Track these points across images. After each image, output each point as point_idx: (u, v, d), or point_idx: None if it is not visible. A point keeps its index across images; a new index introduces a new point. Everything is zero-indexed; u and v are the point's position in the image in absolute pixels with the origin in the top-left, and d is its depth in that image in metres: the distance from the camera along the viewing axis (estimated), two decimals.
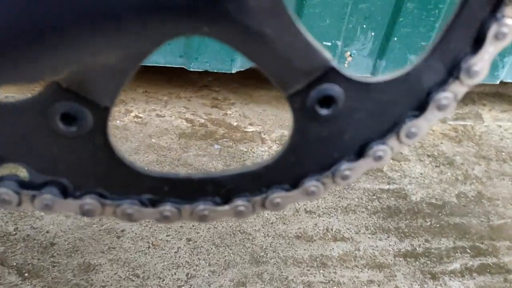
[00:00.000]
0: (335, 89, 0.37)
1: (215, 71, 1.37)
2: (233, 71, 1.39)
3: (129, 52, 0.31)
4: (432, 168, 1.39)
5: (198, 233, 1.06)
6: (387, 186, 1.29)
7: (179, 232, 1.05)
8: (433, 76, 0.37)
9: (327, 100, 0.38)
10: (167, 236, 1.04)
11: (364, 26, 1.38)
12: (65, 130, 0.37)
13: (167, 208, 0.43)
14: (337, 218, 1.17)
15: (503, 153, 1.50)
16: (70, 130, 0.37)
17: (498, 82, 1.58)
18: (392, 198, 1.26)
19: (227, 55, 1.34)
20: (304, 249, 1.07)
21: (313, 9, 1.30)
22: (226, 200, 0.43)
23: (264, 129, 1.42)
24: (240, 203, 0.43)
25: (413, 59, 1.44)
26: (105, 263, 0.97)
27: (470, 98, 1.73)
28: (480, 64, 0.36)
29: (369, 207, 1.22)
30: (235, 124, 1.42)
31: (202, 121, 1.41)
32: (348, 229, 1.14)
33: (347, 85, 0.37)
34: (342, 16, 1.33)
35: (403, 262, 1.08)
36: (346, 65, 1.45)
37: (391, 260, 1.08)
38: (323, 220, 1.15)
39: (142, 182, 0.42)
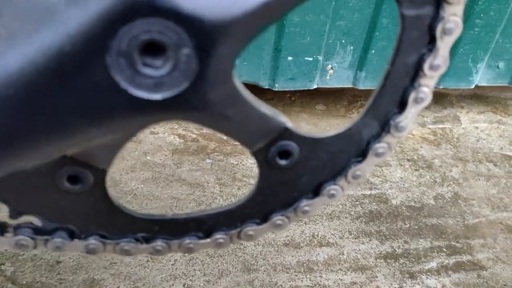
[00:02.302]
0: (291, 145, 0.46)
1: None
2: None
3: (121, 135, 0.40)
4: (411, 172, 1.48)
5: None
6: (369, 192, 1.38)
7: None
8: (370, 130, 0.46)
9: (285, 153, 0.46)
10: None
11: (343, 41, 1.46)
12: (71, 188, 0.46)
13: (159, 243, 0.51)
14: (322, 224, 1.25)
15: (479, 154, 1.59)
16: (75, 188, 0.46)
17: (473, 87, 1.66)
18: (374, 203, 1.35)
19: None
20: (292, 256, 1.16)
21: (293, 28, 1.38)
22: (207, 234, 0.52)
23: None
24: (219, 236, 0.52)
25: None
26: (108, 278, 1.05)
27: (448, 101, 1.82)
28: (405, 121, 0.44)
29: (352, 213, 1.30)
30: (225, 137, 1.50)
31: (194, 136, 1.49)
32: (332, 234, 1.23)
33: (301, 141, 0.46)
34: (322, 33, 1.41)
35: (384, 263, 1.17)
36: (328, 77, 1.53)
37: (373, 262, 1.17)
38: (309, 227, 1.24)
39: (136, 223, 0.50)
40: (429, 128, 1.68)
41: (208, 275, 1.09)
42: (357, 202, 1.34)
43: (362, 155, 0.47)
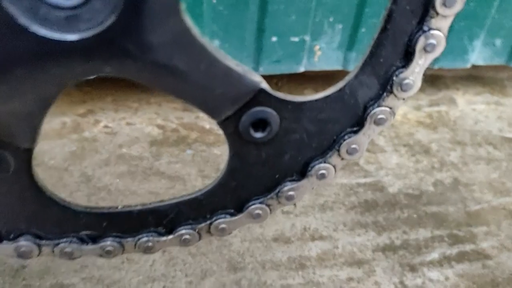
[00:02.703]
0: (267, 112, 0.36)
1: None
2: None
3: (33, 97, 0.29)
4: (408, 158, 1.39)
5: None
6: (364, 180, 1.29)
7: None
8: (367, 91, 0.36)
9: (261, 123, 0.36)
10: None
11: (331, 19, 1.36)
12: None
13: (108, 243, 0.41)
14: (314, 216, 1.16)
15: (477, 137, 1.51)
16: None
17: (468, 66, 1.58)
18: (369, 192, 1.25)
19: None
20: (282, 252, 1.06)
21: (277, 5, 1.28)
22: (170, 230, 0.42)
23: None
24: (184, 231, 0.42)
25: None
26: (78, 282, 0.95)
27: (443, 82, 1.73)
28: (412, 77, 0.35)
29: (346, 203, 1.21)
30: (207, 127, 1.40)
31: (174, 126, 1.39)
32: (326, 227, 1.14)
33: (280, 106, 0.36)
34: (308, 10, 1.31)
35: (382, 256, 1.08)
36: (316, 59, 1.43)
37: (370, 255, 1.08)
38: (301, 220, 1.14)
39: (77, 219, 0.40)
40: (425, 112, 1.59)
41: (190, 275, 0.98)
42: (352, 191, 1.25)
43: (358, 123, 0.37)
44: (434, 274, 1.06)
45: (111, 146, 1.27)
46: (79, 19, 0.25)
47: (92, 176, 1.18)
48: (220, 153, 1.31)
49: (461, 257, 1.11)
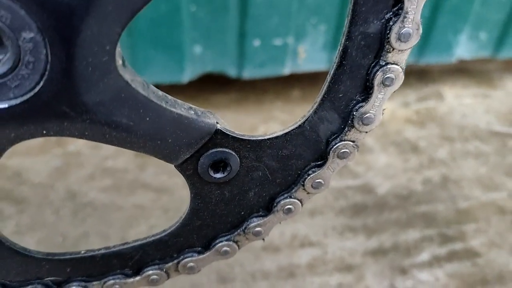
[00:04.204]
0: (226, 153, 0.35)
1: (166, 83, 1.33)
2: (185, 81, 1.35)
3: None
4: (396, 157, 1.38)
5: None
6: (353, 182, 1.28)
7: None
8: (328, 126, 0.35)
9: (221, 164, 0.35)
10: None
11: (314, 20, 1.34)
12: None
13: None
14: (303, 222, 1.15)
15: (465, 131, 1.50)
16: None
17: (454, 60, 1.57)
18: (358, 194, 1.25)
19: (176, 66, 1.30)
20: (271, 260, 1.06)
21: (258, 9, 1.27)
22: (137, 271, 0.41)
23: None
24: (152, 272, 0.41)
25: None
26: None
27: (430, 77, 1.72)
28: (373, 111, 0.34)
29: (335, 206, 1.21)
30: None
31: None
32: (315, 233, 1.13)
33: (239, 146, 0.35)
34: (289, 13, 1.29)
35: (372, 260, 1.08)
36: (300, 61, 1.42)
37: (360, 260, 1.08)
38: (290, 227, 1.14)
39: (40, 266, 0.39)
40: (413, 108, 1.59)
41: None
42: (340, 194, 1.24)
43: (322, 158, 0.37)
44: (424, 275, 1.06)
45: (96, 160, 1.26)
46: (7, 87, 0.24)
47: (78, 192, 1.17)
48: None
49: (451, 257, 1.10)
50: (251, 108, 1.50)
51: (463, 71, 1.76)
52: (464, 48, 1.56)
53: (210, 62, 1.33)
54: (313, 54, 1.43)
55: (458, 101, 1.64)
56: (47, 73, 0.24)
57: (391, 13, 0.31)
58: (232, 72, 1.37)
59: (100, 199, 1.15)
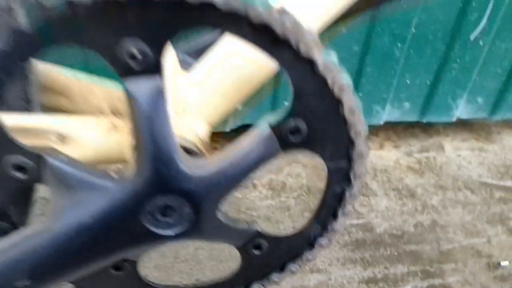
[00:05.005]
0: (261, 241, 0.67)
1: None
2: (227, 130, 1.68)
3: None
4: (396, 201, 1.67)
5: None
6: (356, 221, 1.58)
7: None
8: (315, 230, 0.66)
9: (258, 247, 0.67)
10: None
11: None
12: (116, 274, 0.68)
13: None
14: None
15: (458, 182, 1.77)
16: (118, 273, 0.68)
17: (453, 120, 1.84)
18: (360, 232, 1.55)
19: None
20: (286, 282, 1.37)
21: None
22: None
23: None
24: None
25: (377, 109, 1.72)
26: None
27: (435, 129, 2.00)
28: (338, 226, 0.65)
29: (340, 241, 1.51)
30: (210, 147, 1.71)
31: None
32: (322, 261, 1.44)
33: (269, 238, 0.67)
34: None
35: (365, 287, 1.38)
36: None
37: (356, 287, 1.38)
38: None
39: None
40: (415, 157, 1.87)
41: None
42: (345, 231, 1.54)
43: (311, 245, 0.68)
44: None
45: None
46: (173, 226, 0.57)
47: None
48: (240, 196, 1.62)
49: None
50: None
51: (464, 125, 2.02)
52: (463, 110, 1.83)
53: (248, 117, 1.66)
54: None
55: (457, 153, 1.91)
56: (191, 221, 0.56)
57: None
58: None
59: None
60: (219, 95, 0.62)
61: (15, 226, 0.60)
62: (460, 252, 1.51)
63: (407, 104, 1.76)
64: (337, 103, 0.53)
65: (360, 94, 1.67)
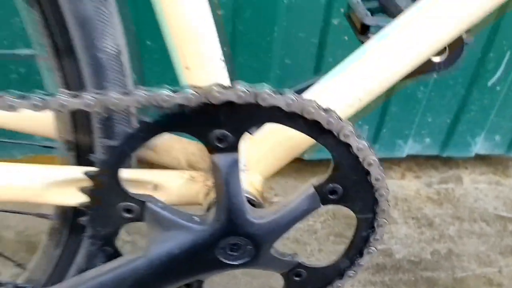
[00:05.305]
0: (302, 271, 0.84)
1: None
2: None
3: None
4: (414, 229, 1.82)
5: None
6: (378, 247, 1.73)
7: None
8: (344, 264, 0.84)
9: (298, 275, 0.85)
10: None
11: (359, 122, 1.82)
12: None
13: None
14: None
15: (475, 214, 1.90)
16: None
17: (472, 155, 1.98)
18: (381, 257, 1.70)
19: None
20: None
21: None
22: None
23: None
24: None
25: (400, 143, 1.88)
26: None
27: (454, 162, 2.13)
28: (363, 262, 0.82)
29: None
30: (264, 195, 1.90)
31: None
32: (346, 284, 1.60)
33: (308, 268, 0.84)
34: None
35: None
36: None
37: None
38: None
39: None
40: (434, 188, 2.01)
41: None
42: None
43: (341, 275, 0.85)
44: None
45: None
46: (239, 258, 0.76)
47: None
48: None
49: None
50: (308, 176, 1.99)
51: (482, 160, 2.15)
52: (481, 147, 1.97)
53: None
54: None
55: (474, 186, 2.04)
56: (252, 255, 0.75)
57: None
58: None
59: None
60: (274, 157, 0.81)
61: (117, 251, 0.80)
62: (473, 280, 1.64)
63: (428, 140, 1.91)
64: (366, 174, 0.71)
65: (385, 130, 1.84)
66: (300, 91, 0.80)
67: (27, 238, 1.63)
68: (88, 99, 0.62)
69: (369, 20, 0.88)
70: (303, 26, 1.54)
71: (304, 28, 1.55)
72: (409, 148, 1.92)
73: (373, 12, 0.96)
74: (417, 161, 2.09)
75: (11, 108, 0.63)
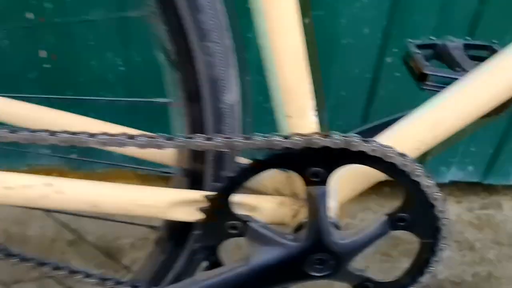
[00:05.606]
0: (369, 284, 1.00)
1: None
2: None
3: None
4: (456, 252, 1.93)
5: None
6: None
7: None
8: (409, 280, 0.99)
9: (367, 286, 1.01)
10: None
11: None
12: None
13: None
14: None
15: None
16: None
17: None
18: None
19: None
20: None
21: None
22: None
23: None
24: None
25: (443, 169, 2.01)
26: None
27: (495, 189, 2.23)
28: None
29: None
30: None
31: None
32: None
33: (374, 282, 1.00)
34: None
35: None
36: None
37: None
38: None
39: None
40: (475, 213, 2.12)
41: None
42: None
43: None
44: None
45: None
46: (320, 271, 0.92)
47: None
48: None
49: None
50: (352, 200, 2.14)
51: None
52: None
53: None
54: None
55: None
56: (332, 271, 0.91)
57: None
58: None
59: None
60: (351, 188, 0.98)
61: (219, 260, 0.98)
62: None
63: (470, 168, 2.03)
64: (432, 206, 0.87)
65: (430, 158, 1.97)
66: (364, 132, 0.97)
67: (105, 243, 1.85)
68: (217, 142, 0.81)
69: (428, 69, 1.05)
70: (358, 63, 1.71)
71: (359, 65, 1.72)
72: (452, 175, 2.04)
73: (428, 58, 1.13)
74: (459, 187, 2.20)
75: (158, 146, 0.82)
